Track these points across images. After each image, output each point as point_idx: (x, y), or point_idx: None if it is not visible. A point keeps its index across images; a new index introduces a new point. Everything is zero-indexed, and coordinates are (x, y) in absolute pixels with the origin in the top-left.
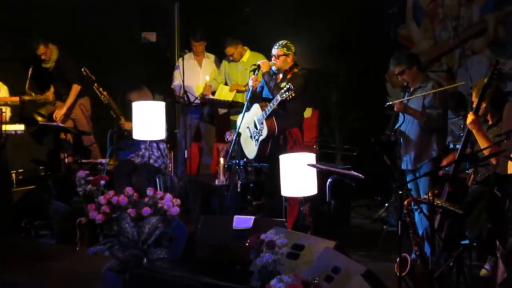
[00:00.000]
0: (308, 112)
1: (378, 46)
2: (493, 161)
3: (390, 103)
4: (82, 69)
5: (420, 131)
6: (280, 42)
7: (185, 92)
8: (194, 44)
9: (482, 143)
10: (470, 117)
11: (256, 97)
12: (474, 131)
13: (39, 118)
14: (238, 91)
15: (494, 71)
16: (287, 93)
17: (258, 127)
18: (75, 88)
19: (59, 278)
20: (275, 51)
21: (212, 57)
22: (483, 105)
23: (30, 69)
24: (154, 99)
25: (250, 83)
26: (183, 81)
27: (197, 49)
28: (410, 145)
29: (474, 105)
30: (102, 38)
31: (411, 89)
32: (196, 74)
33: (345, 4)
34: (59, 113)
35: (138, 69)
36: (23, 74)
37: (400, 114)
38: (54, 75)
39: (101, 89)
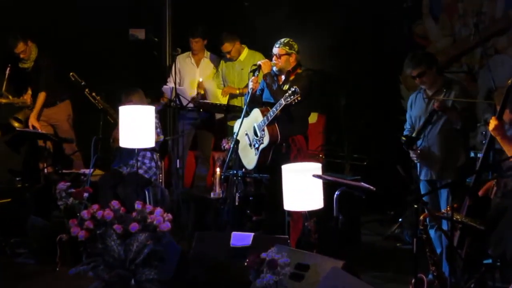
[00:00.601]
0: (313, 118)
1: (390, 45)
2: None
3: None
4: (71, 74)
5: (447, 136)
6: (282, 40)
7: (177, 95)
8: (190, 41)
9: (508, 150)
10: (492, 123)
11: (256, 101)
12: (498, 138)
13: (16, 124)
14: (231, 96)
15: None
16: (292, 96)
17: (259, 134)
18: (42, 96)
19: None
20: (276, 50)
21: (209, 55)
22: (509, 116)
23: (8, 69)
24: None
25: (250, 85)
26: (175, 83)
27: (193, 47)
28: (434, 152)
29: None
30: (85, 35)
31: (430, 94)
32: (192, 75)
33: None
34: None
35: (125, 70)
36: None
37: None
38: (32, 76)
39: (94, 94)
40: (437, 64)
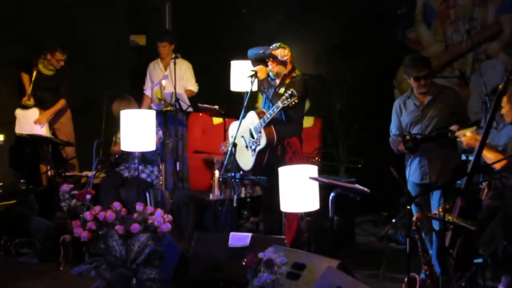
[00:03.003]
0: (310, 122)
1: (384, 50)
2: (497, 166)
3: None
4: None
5: (447, 140)
6: (274, 44)
7: (177, 99)
8: (158, 45)
9: (490, 157)
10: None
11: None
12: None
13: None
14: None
15: (509, 76)
16: (289, 99)
17: (255, 136)
18: (62, 102)
19: None
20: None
21: (183, 62)
22: None
23: (34, 72)
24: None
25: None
26: (174, 87)
27: (161, 51)
28: (434, 154)
29: (506, 112)
30: (85, 41)
31: (429, 98)
32: (159, 79)
33: (349, 5)
34: (42, 120)
35: (126, 76)
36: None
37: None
38: (47, 81)
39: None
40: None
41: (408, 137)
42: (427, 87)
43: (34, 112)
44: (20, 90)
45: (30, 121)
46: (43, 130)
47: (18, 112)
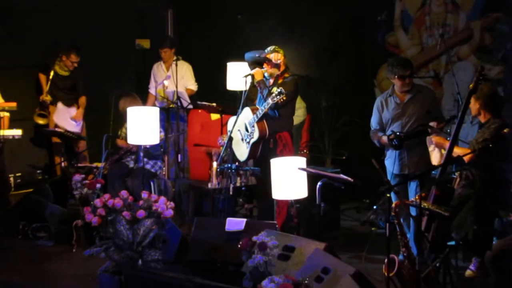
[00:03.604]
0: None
1: (366, 53)
2: (466, 159)
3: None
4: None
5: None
6: (269, 48)
7: (178, 97)
8: (159, 51)
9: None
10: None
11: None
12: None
13: (41, 121)
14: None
15: (479, 77)
16: (278, 96)
17: (249, 129)
18: (83, 100)
19: (56, 279)
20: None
21: (184, 64)
22: (477, 106)
23: (52, 73)
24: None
25: (245, 86)
26: (176, 87)
27: (162, 56)
28: (413, 148)
29: (471, 106)
30: (95, 45)
31: (409, 96)
32: (162, 79)
33: (335, 11)
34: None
35: (132, 77)
36: (18, 79)
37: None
38: (62, 81)
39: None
40: None
41: (392, 135)
42: (410, 85)
43: (73, 111)
44: (37, 89)
45: (68, 117)
46: (79, 128)
47: (60, 106)
